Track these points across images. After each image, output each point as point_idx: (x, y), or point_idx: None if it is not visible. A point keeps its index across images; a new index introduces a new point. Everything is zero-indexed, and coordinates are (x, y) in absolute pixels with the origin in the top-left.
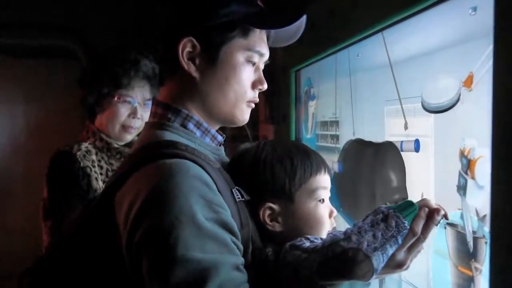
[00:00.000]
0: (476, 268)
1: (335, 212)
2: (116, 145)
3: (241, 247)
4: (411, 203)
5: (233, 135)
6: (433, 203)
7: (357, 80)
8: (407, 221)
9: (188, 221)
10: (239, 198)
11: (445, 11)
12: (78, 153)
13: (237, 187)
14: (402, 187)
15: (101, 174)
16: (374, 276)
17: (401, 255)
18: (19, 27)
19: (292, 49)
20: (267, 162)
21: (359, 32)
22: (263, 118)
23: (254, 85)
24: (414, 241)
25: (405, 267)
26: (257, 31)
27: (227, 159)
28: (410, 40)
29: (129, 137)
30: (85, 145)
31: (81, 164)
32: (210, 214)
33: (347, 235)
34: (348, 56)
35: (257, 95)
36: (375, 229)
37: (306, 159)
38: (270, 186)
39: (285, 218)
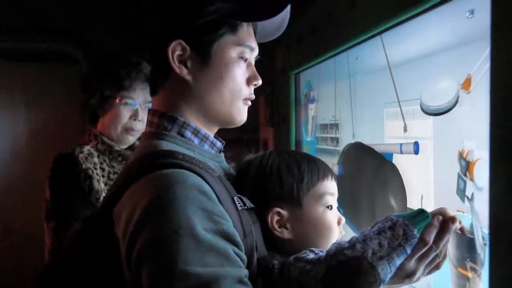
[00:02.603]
0: (476, 270)
1: (343, 220)
2: (118, 148)
3: (245, 257)
4: (422, 211)
5: (234, 139)
6: (449, 211)
7: (356, 82)
8: (417, 229)
9: (187, 234)
10: (241, 206)
11: (443, 14)
12: (80, 155)
13: (239, 195)
14: (403, 209)
15: (103, 176)
16: (381, 287)
17: (410, 265)
18: (20, 32)
19: (291, 52)
20: (274, 168)
21: (358, 35)
22: (263, 121)
23: (249, 81)
24: (426, 250)
25: (415, 278)
26: (245, 26)
27: (227, 166)
28: (409, 43)
29: (131, 139)
30: (87, 148)
31: (83, 166)
32: (210, 225)
33: (351, 243)
34: (347, 59)
35: (252, 92)
36: (381, 237)
37: (312, 165)
38: (278, 191)
39: (293, 224)
